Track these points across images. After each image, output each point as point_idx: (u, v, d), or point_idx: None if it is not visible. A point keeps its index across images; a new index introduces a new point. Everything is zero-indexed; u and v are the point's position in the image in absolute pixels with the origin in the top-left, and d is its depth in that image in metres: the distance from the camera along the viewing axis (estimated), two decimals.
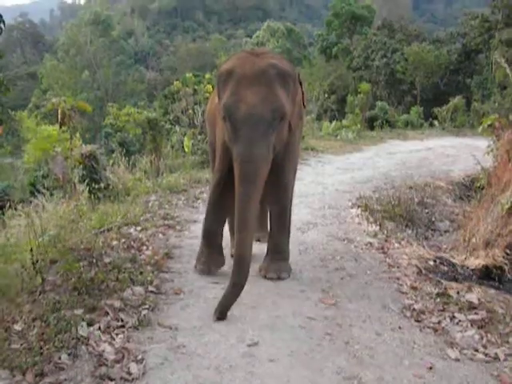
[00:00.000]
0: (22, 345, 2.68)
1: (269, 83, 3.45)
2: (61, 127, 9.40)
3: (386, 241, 5.36)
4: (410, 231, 6.55)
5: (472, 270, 5.08)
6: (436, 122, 20.97)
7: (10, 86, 4.68)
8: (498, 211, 5.54)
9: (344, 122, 19.35)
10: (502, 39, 22.84)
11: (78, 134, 9.35)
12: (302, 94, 4.02)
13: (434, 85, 26.29)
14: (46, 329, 2.85)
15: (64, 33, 50.52)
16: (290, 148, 4.00)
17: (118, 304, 3.24)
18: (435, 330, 3.09)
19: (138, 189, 7.49)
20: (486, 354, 2.78)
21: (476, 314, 3.28)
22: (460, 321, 3.20)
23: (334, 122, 19.21)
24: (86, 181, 7.37)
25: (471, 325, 3.13)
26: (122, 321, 3.06)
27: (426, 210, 8.01)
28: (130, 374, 2.52)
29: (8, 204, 7.18)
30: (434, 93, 26.08)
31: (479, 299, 3.52)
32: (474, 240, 5.80)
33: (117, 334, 2.89)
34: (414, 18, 51.45)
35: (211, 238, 4.14)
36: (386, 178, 9.42)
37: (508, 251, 5.07)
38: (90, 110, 10.03)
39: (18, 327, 2.91)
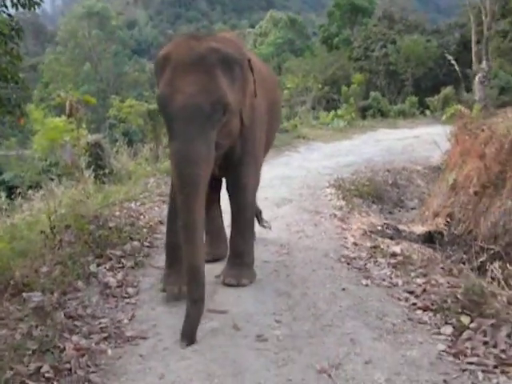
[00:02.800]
0: (48, 279, 3.66)
1: (208, 70, 3.05)
2: (68, 118, 10.35)
3: (348, 212, 6.28)
4: (375, 207, 7.54)
5: (418, 235, 6.06)
6: (428, 112, 21.79)
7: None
8: (444, 187, 6.52)
9: (339, 111, 20.22)
10: (497, 30, 23.47)
11: (84, 125, 10.30)
12: (254, 82, 3.58)
13: (432, 75, 26.90)
14: (66, 269, 3.83)
15: (62, 26, 50.83)
16: (247, 146, 3.70)
17: (119, 253, 4.24)
18: (359, 269, 4.05)
19: (139, 172, 8.47)
20: (390, 283, 3.74)
21: (395, 259, 4.24)
22: (381, 263, 4.15)
23: (332, 112, 20.09)
24: (92, 167, 8.21)
25: (388, 266, 4.09)
26: (123, 263, 4.07)
27: (397, 190, 9.00)
28: (127, 293, 3.54)
29: (18, 191, 8.13)
30: (433, 83, 26.60)
31: (402, 250, 4.47)
32: (427, 213, 6.80)
33: (118, 271, 3.91)
34: (418, 7, 51.71)
35: (176, 253, 3.39)
36: (367, 163, 10.28)
37: (448, 219, 6.04)
38: (95, 102, 10.99)
39: (43, 269, 3.89)
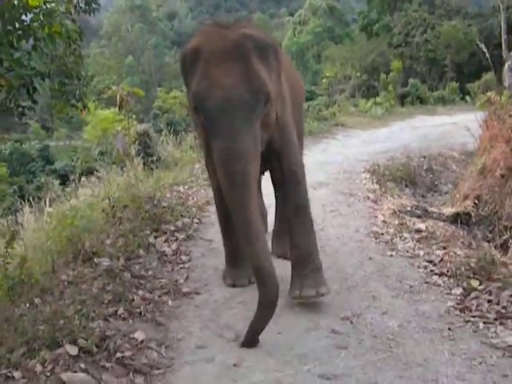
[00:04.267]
0: (114, 248, 4.25)
1: (245, 58, 2.86)
2: (119, 110, 11.04)
3: (381, 195, 6.69)
4: (408, 190, 7.91)
5: (446, 216, 6.44)
6: (468, 98, 21.74)
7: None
8: (474, 171, 6.88)
9: (377, 99, 20.46)
10: None
11: (134, 116, 10.96)
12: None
13: (475, 60, 26.54)
14: (127, 240, 4.41)
15: (105, 21, 52.35)
16: (284, 135, 3.46)
17: (172, 228, 4.83)
18: (386, 243, 4.51)
19: (185, 159, 9.06)
20: (412, 254, 4.18)
21: (419, 234, 4.67)
22: (406, 238, 4.59)
23: (371, 99, 20.34)
24: (141, 154, 8.85)
25: (412, 240, 4.53)
26: (176, 236, 4.66)
27: (431, 175, 9.30)
28: (181, 260, 4.14)
29: (72, 178, 8.80)
30: (476, 68, 26.09)
31: (426, 226, 4.90)
32: (457, 195, 7.16)
33: (173, 243, 4.51)
34: None
35: (237, 257, 3.72)
36: (404, 149, 10.54)
37: (476, 201, 6.40)
38: (143, 95, 11.68)
39: (108, 241, 4.49)
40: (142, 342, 2.72)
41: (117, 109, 11.15)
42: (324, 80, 21.80)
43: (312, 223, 3.56)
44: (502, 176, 6.07)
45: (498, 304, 3.16)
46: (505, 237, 5.38)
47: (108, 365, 2.47)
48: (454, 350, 2.67)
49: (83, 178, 8.58)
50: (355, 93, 22.96)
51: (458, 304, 3.22)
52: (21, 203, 8.01)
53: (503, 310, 3.08)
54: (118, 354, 2.55)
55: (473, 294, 3.31)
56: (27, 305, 3.10)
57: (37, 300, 3.17)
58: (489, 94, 9.93)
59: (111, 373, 2.42)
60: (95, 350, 2.54)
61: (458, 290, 3.40)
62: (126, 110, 10.66)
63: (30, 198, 7.79)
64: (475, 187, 6.63)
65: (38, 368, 2.35)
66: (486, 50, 9.35)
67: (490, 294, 3.28)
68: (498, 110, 6.90)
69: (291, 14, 53.28)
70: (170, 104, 14.55)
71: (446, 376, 2.42)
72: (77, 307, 2.90)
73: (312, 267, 3.34)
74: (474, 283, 3.44)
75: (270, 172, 3.63)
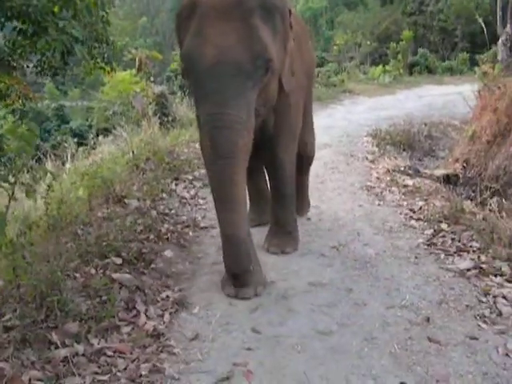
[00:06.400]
0: (140, 192, 4.95)
1: (247, 18, 2.55)
2: (138, 72, 11.64)
3: (379, 156, 7.33)
4: (405, 154, 8.53)
5: (437, 177, 7.09)
6: (476, 69, 22.01)
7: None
8: (465, 137, 7.50)
9: (387, 67, 20.85)
10: None
11: (151, 78, 11.58)
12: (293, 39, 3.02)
13: (488, 31, 26.50)
14: (152, 186, 5.11)
15: None
16: (284, 115, 3.24)
17: (190, 177, 5.54)
18: (376, 195, 5.18)
19: None
20: (397, 204, 4.85)
21: (406, 189, 5.34)
22: (394, 191, 5.26)
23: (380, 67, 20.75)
24: (158, 114, 9.47)
25: (399, 193, 5.19)
26: (194, 184, 5.37)
27: (430, 141, 9.90)
28: (199, 203, 4.85)
29: (91, 136, 9.40)
30: (490, 39, 26.03)
31: (413, 183, 5.56)
32: (449, 159, 7.80)
33: (191, 189, 5.21)
34: None
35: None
36: (407, 117, 11.09)
37: (465, 164, 7.04)
38: (161, 58, 12.25)
39: (135, 187, 5.17)
40: (170, 258, 3.45)
41: (134, 71, 11.72)
42: (335, 47, 22.21)
43: (294, 209, 3.73)
44: (488, 142, 6.70)
45: (459, 241, 3.84)
46: (484, 195, 6.04)
47: (146, 271, 3.20)
48: (416, 271, 3.37)
49: (100, 137, 9.19)
50: (365, 60, 23.33)
51: (427, 241, 3.90)
52: (37, 161, 8.47)
53: (462, 246, 3.75)
54: (153, 265, 3.28)
55: (440, 234, 3.99)
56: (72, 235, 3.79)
57: (79, 231, 3.86)
58: (483, 66, 10.46)
59: (149, 276, 3.15)
60: (135, 261, 3.26)
61: (429, 231, 4.08)
62: (143, 73, 11.24)
63: (48, 156, 8.25)
64: (465, 152, 7.27)
65: (93, 271, 3.08)
66: (483, 24, 9.70)
67: (455, 234, 3.95)
68: (489, 82, 7.48)
69: None
70: None
71: (406, 287, 3.13)
72: (116, 233, 3.60)
73: (283, 230, 3.68)
74: (444, 226, 4.11)
75: (260, 150, 3.26)
